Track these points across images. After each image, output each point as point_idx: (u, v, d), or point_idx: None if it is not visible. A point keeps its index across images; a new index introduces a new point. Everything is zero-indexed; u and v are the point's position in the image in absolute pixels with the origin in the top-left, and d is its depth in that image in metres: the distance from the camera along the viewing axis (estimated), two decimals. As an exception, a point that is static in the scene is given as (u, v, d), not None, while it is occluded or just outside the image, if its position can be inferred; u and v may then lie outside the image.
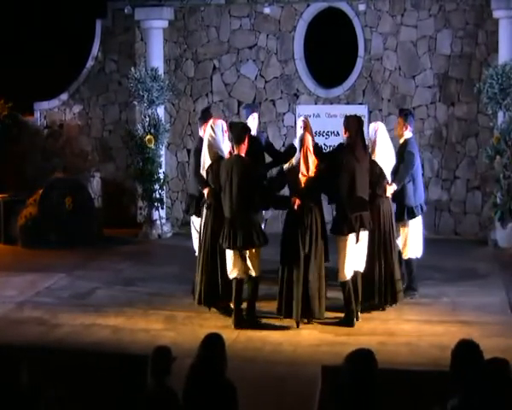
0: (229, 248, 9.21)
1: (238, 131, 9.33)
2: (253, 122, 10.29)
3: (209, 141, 9.62)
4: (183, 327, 9.27)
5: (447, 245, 13.37)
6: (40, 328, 9.31)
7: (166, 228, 14.84)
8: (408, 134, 10.24)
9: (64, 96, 15.89)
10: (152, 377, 5.41)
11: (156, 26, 14.93)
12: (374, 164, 9.50)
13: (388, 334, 8.94)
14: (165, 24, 15.03)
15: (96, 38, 15.66)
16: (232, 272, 9.32)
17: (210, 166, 9.57)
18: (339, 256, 9.27)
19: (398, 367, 7.52)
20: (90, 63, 15.73)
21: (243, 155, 9.25)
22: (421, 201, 10.27)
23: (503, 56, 13.32)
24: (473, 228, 14.28)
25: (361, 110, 14.13)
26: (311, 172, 9.11)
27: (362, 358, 4.59)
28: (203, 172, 9.71)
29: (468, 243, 13.61)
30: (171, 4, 14.97)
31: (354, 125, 9.41)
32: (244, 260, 9.25)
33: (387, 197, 9.66)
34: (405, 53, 14.41)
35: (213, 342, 5.51)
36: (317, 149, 10.62)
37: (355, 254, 9.27)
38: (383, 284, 9.55)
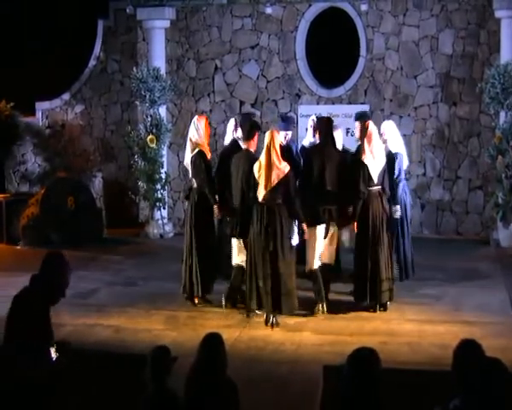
0: (232, 236, 9.72)
1: (247, 129, 9.72)
2: (284, 139, 10.45)
3: (190, 138, 10.09)
4: (185, 327, 9.27)
5: (449, 245, 13.37)
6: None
7: (168, 228, 14.85)
8: None
9: (66, 96, 15.91)
10: (151, 378, 5.39)
11: (158, 26, 14.94)
12: (361, 164, 9.54)
13: (390, 334, 8.94)
14: (167, 24, 15.04)
15: (98, 38, 15.68)
16: (236, 259, 9.80)
17: (190, 159, 10.04)
18: (308, 247, 9.65)
19: (400, 367, 7.53)
20: (91, 63, 15.75)
21: (252, 150, 9.66)
22: None
23: (505, 56, 13.32)
24: (475, 228, 14.28)
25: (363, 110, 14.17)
26: (277, 173, 9.08)
27: (364, 357, 4.55)
28: (186, 165, 10.27)
29: (469, 243, 13.60)
30: (173, 4, 14.98)
31: (324, 126, 9.94)
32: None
33: (377, 197, 9.63)
34: (407, 53, 14.41)
35: (213, 341, 5.50)
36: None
37: (324, 246, 9.67)
38: (372, 284, 9.53)
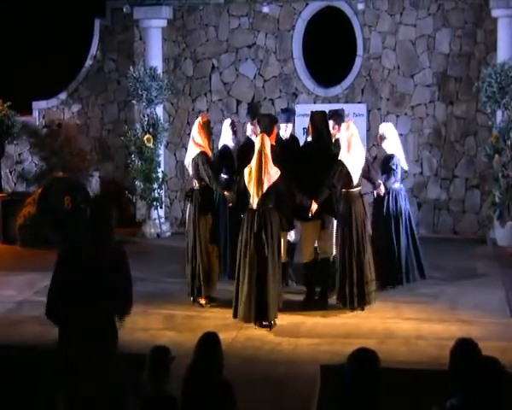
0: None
1: (266, 124, 9.68)
2: (284, 132, 10.46)
3: (193, 138, 10.06)
4: (183, 327, 9.27)
5: (446, 244, 13.36)
6: (39, 327, 9.27)
7: (165, 227, 14.84)
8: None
9: (63, 96, 15.88)
10: (150, 377, 5.39)
11: (155, 25, 14.92)
12: (340, 163, 9.53)
13: (387, 333, 8.94)
14: (163, 23, 15.02)
15: (95, 37, 15.66)
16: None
17: (192, 160, 9.99)
18: (302, 241, 9.96)
19: (397, 366, 7.53)
20: (88, 62, 15.73)
21: (273, 142, 9.59)
22: None
23: (501, 55, 13.32)
24: (472, 227, 14.28)
25: (360, 109, 14.19)
26: (268, 178, 9.03)
27: (365, 358, 4.57)
28: (186, 164, 10.26)
29: (466, 242, 13.60)
30: (170, 3, 14.96)
31: (319, 120, 9.92)
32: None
33: (358, 198, 9.63)
34: (404, 52, 14.41)
35: (209, 341, 5.50)
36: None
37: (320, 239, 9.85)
38: (354, 286, 9.46)
